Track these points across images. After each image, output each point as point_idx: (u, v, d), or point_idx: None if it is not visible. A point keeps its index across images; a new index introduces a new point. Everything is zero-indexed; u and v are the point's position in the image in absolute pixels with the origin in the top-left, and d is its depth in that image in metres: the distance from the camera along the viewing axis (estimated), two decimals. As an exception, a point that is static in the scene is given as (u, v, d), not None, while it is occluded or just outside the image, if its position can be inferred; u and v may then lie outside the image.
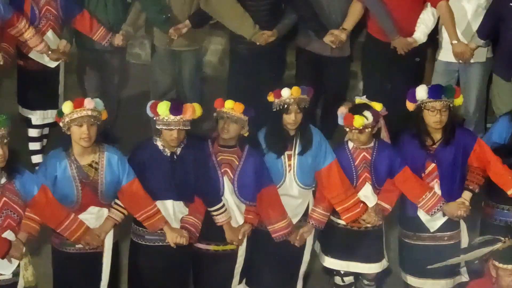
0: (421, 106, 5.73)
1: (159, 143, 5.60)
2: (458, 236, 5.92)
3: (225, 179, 5.73)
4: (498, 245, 5.09)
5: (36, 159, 7.15)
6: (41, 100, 7.04)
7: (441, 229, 5.89)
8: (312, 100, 5.85)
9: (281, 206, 5.80)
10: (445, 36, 7.05)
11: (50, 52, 6.84)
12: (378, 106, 5.79)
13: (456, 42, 6.93)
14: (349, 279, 6.12)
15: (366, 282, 6.15)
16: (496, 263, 5.04)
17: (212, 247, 5.82)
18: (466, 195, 5.83)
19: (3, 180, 5.30)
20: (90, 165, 5.49)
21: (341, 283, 6.13)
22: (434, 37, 7.18)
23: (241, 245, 5.81)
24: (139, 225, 5.69)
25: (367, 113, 5.66)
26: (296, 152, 5.82)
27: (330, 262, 6.02)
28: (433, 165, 5.81)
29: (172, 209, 5.66)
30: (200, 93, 7.47)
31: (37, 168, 5.82)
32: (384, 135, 5.95)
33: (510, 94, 6.94)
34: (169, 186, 5.60)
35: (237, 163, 5.74)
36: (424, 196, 5.78)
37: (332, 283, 6.20)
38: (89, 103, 5.40)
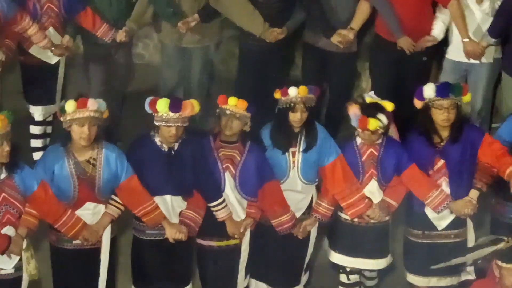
0: (429, 104, 5.72)
1: (157, 139, 5.60)
2: (464, 234, 5.91)
3: (227, 174, 5.73)
4: (501, 245, 5.09)
5: (37, 156, 7.10)
6: (41, 95, 7.05)
7: (448, 227, 5.87)
8: (317, 96, 5.83)
9: (284, 200, 5.81)
10: (455, 35, 7.05)
11: (53, 48, 6.86)
12: (389, 105, 5.78)
13: (467, 40, 6.95)
14: (354, 278, 6.11)
15: (368, 274, 6.15)
16: (500, 263, 5.02)
17: (215, 243, 5.83)
18: (473, 194, 5.81)
19: (3, 176, 5.31)
20: (88, 161, 5.49)
21: (347, 281, 6.12)
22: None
23: (242, 239, 5.81)
24: (139, 220, 5.69)
25: (381, 116, 5.66)
26: (301, 149, 5.83)
27: (337, 258, 6.02)
28: (441, 162, 5.79)
29: (170, 204, 5.66)
30: (207, 90, 7.45)
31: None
32: (393, 131, 5.96)
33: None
34: (167, 181, 5.61)
35: (239, 159, 5.74)
36: (431, 194, 5.77)
37: (338, 282, 6.17)
38: (92, 104, 5.40)
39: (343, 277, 6.11)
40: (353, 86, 7.45)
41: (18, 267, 5.40)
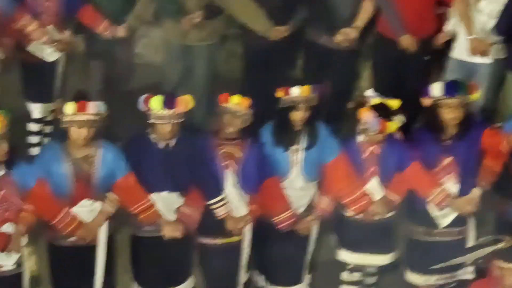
0: (437, 103, 5.72)
1: (152, 136, 5.59)
2: (464, 233, 5.91)
3: (228, 171, 5.72)
4: (501, 245, 5.09)
5: (34, 152, 7.06)
6: (40, 93, 7.02)
7: (451, 224, 5.88)
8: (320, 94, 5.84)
9: (284, 197, 5.81)
10: (460, 33, 7.02)
11: (54, 44, 6.83)
12: (395, 103, 5.76)
13: (473, 37, 6.92)
14: (356, 276, 6.10)
15: (369, 271, 6.14)
16: (500, 263, 5.01)
17: (216, 241, 5.82)
18: (476, 192, 5.81)
19: (1, 173, 5.31)
20: (84, 158, 5.48)
21: (349, 279, 6.11)
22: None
23: (242, 234, 5.79)
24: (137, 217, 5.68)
25: (398, 117, 5.68)
26: (303, 147, 5.83)
27: (344, 255, 6.02)
28: (449, 159, 5.79)
29: (167, 200, 5.64)
30: (210, 89, 7.39)
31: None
32: (396, 129, 5.96)
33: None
34: (163, 177, 5.62)
35: (240, 155, 5.73)
36: (433, 191, 5.76)
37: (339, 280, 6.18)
38: (92, 107, 5.41)
39: (345, 275, 6.10)
40: (354, 84, 7.43)
41: (19, 263, 5.41)
